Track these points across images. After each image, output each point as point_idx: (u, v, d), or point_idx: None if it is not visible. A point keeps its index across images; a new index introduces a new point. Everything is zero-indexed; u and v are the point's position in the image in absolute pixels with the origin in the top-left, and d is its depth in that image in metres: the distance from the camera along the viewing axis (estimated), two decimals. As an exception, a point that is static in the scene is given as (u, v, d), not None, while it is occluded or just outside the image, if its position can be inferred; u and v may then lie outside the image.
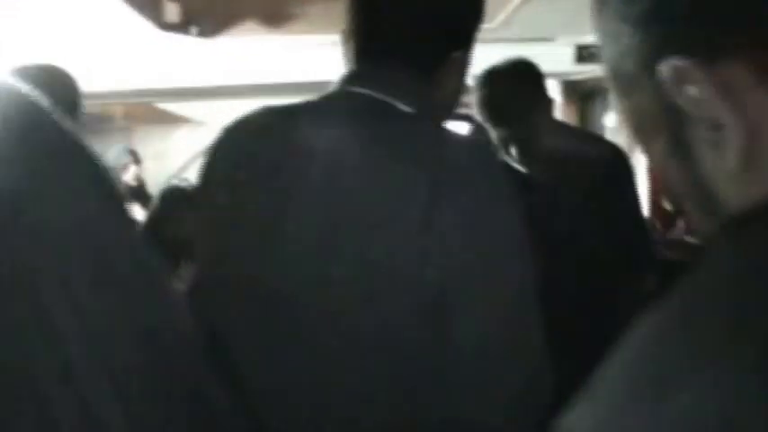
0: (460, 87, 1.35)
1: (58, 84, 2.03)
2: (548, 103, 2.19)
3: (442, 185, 1.15)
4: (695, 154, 0.54)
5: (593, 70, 5.05)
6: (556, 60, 4.99)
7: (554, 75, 5.42)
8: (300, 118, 1.28)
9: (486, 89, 2.12)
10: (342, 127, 1.23)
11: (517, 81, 2.13)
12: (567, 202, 2.12)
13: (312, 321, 1.17)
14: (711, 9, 0.50)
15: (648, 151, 0.60)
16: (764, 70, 0.49)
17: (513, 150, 2.11)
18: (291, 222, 1.20)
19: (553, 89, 6.12)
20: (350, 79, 1.30)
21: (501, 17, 4.46)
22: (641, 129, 0.60)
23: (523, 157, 2.11)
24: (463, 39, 1.33)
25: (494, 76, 2.13)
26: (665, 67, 0.52)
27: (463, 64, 1.34)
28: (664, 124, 0.55)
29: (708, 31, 0.51)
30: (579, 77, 5.31)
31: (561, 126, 2.42)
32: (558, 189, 2.14)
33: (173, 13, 3.67)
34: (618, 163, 2.27)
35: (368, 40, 1.31)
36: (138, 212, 4.96)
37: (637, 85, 0.57)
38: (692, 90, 0.51)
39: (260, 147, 1.27)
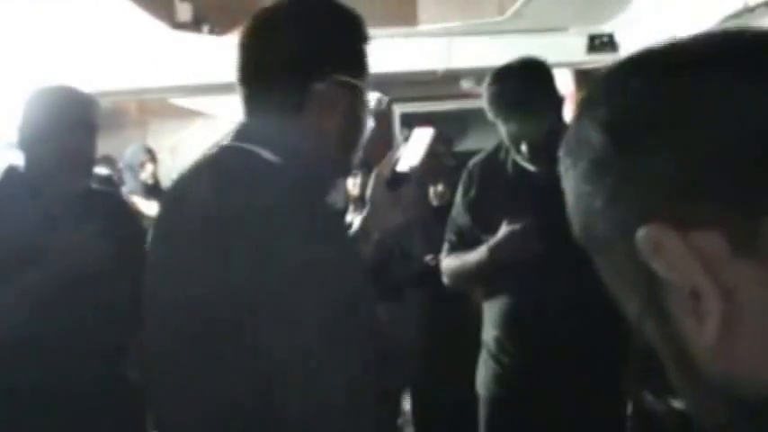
0: (351, 120, 1.26)
1: (77, 104, 2.04)
2: (559, 101, 2.18)
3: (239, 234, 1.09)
4: (672, 318, 0.53)
5: (605, 60, 5.03)
6: (568, 50, 4.99)
7: (566, 64, 5.42)
8: (185, 176, 1.27)
9: (498, 85, 2.12)
10: (201, 185, 1.19)
11: (528, 78, 2.13)
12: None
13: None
14: (687, 182, 0.50)
15: (624, 306, 0.58)
16: (740, 239, 0.49)
17: (524, 147, 2.11)
18: (155, 284, 1.26)
19: (566, 79, 6.12)
20: (233, 131, 1.27)
21: (513, 8, 4.46)
22: (615, 286, 0.59)
23: (533, 154, 2.12)
24: (322, 70, 1.21)
25: (505, 73, 2.13)
26: (641, 235, 0.51)
27: (337, 96, 1.23)
28: (638, 287, 0.54)
29: (683, 201, 0.50)
30: (591, 67, 5.30)
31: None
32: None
33: (184, 12, 3.71)
34: None
35: (241, 85, 1.26)
36: (156, 209, 5.00)
37: (609, 246, 0.56)
38: (669, 259, 0.50)
39: (161, 207, 1.35)
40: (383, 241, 1.43)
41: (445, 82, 5.72)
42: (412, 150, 1.44)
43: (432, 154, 1.42)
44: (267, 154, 1.17)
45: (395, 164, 1.43)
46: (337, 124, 1.23)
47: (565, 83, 6.20)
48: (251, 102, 1.25)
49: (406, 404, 4.87)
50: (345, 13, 1.27)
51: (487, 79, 2.16)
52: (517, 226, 2.07)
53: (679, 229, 0.50)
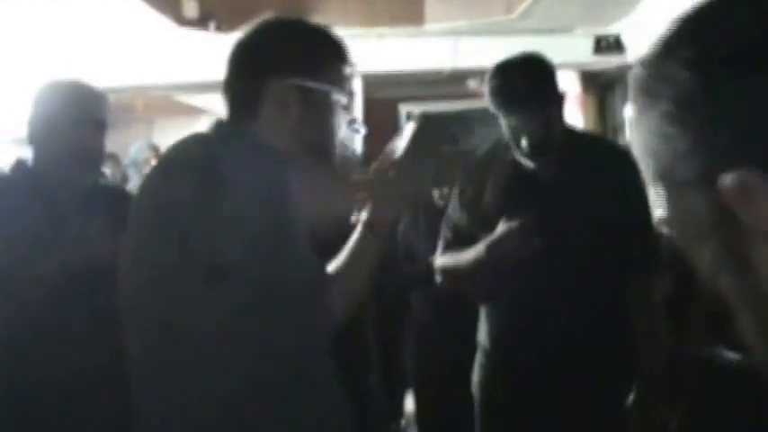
0: (310, 121, 1.37)
1: (86, 100, 2.04)
2: (560, 97, 2.17)
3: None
4: (755, 267, 0.50)
5: (611, 61, 5.04)
6: (574, 51, 4.99)
7: (572, 65, 5.42)
8: None
9: (499, 79, 2.12)
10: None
11: (530, 73, 2.12)
12: (574, 197, 2.12)
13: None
14: None
15: (694, 255, 0.55)
16: None
17: (524, 142, 2.10)
18: None
19: (572, 80, 6.12)
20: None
21: (520, 8, 4.47)
22: (688, 232, 0.56)
23: (533, 150, 2.11)
24: (275, 74, 1.35)
25: (507, 67, 2.13)
26: (729, 179, 0.49)
27: (291, 97, 1.35)
28: (716, 232, 0.52)
29: None
30: (598, 68, 5.30)
31: (572, 130, 2.43)
32: (566, 183, 2.13)
33: (191, 9, 3.72)
34: (625, 162, 2.27)
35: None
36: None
37: (689, 189, 0.53)
38: (759, 205, 0.48)
39: None
40: (382, 233, 1.49)
41: (452, 82, 5.73)
42: (401, 144, 1.51)
43: (415, 145, 1.48)
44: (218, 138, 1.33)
45: (391, 157, 1.50)
46: (293, 124, 1.35)
47: (571, 84, 6.21)
48: (227, 104, 1.42)
49: (409, 405, 4.88)
50: (313, 29, 1.42)
51: (490, 73, 2.16)
52: (515, 223, 2.07)
53: None
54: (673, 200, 0.56)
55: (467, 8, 4.72)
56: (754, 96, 0.48)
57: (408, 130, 1.51)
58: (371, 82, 5.47)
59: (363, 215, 1.52)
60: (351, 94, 1.43)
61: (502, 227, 2.07)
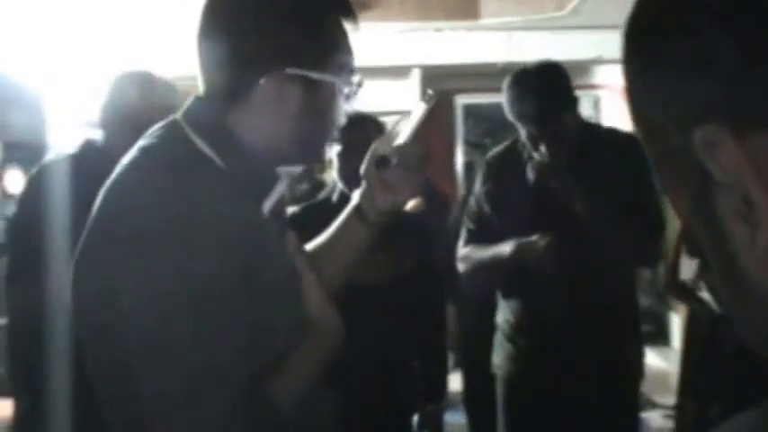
0: (308, 114, 1.15)
1: (158, 91, 2.14)
2: (575, 101, 2.24)
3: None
4: (721, 220, 0.49)
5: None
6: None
7: (620, 61, 5.53)
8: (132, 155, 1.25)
9: (516, 89, 2.19)
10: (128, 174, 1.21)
11: (546, 80, 2.19)
12: (589, 191, 2.18)
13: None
14: (752, 74, 0.45)
15: (672, 201, 0.55)
16: None
17: (542, 148, 2.17)
18: None
19: (619, 74, 6.23)
20: (187, 106, 1.21)
21: (571, 5, 4.62)
22: (666, 181, 0.55)
23: (551, 155, 2.18)
24: (269, 65, 1.11)
25: (523, 76, 2.21)
26: (699, 133, 0.47)
27: (287, 90, 1.12)
28: (690, 182, 0.50)
29: (746, 97, 0.45)
30: (646, 64, 5.41)
31: (588, 124, 2.48)
32: (582, 177, 2.19)
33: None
34: (642, 154, 2.39)
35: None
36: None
37: (664, 136, 0.52)
38: (723, 162, 0.46)
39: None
40: (379, 224, 1.29)
41: (505, 74, 5.86)
42: (408, 126, 1.28)
43: (423, 131, 1.27)
44: (206, 148, 1.12)
45: (393, 139, 1.27)
46: (289, 119, 1.14)
47: (618, 78, 6.31)
48: (204, 82, 1.18)
49: (455, 384, 5.05)
50: (304, 5, 1.15)
51: (506, 81, 2.24)
52: (549, 241, 2.13)
53: (739, 130, 0.46)
54: (650, 142, 0.55)
55: (520, 4, 4.89)
56: (725, 40, 0.46)
57: (419, 111, 1.27)
58: (428, 74, 5.66)
59: (356, 195, 1.30)
60: (358, 83, 1.21)
61: (537, 238, 2.15)
